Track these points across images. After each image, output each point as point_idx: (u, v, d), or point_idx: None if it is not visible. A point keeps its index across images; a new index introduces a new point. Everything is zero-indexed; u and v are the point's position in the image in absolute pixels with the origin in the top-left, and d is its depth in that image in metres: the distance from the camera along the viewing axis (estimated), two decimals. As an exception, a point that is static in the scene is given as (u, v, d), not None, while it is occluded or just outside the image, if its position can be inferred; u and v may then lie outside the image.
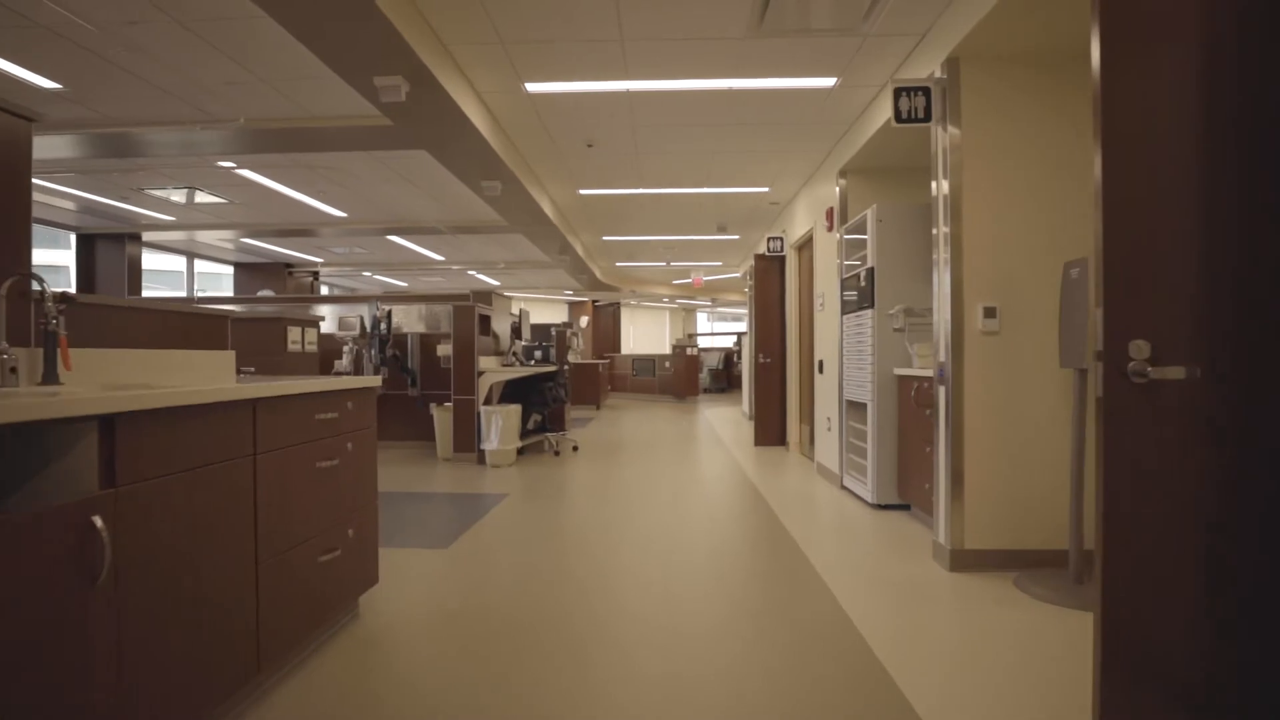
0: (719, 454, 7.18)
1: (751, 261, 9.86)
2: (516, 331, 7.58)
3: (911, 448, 4.20)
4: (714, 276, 14.11)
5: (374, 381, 2.76)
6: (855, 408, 4.88)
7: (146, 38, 3.48)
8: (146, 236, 8.56)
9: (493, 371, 6.62)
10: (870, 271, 4.49)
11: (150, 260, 9.92)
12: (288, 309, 7.86)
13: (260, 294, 10.69)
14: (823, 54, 3.76)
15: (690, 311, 22.01)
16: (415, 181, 6.33)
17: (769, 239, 7.29)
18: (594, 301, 17.65)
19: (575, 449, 7.44)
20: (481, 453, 6.42)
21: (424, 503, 4.82)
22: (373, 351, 7.01)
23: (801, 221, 6.67)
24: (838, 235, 5.18)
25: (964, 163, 3.24)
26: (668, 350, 19.45)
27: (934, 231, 3.41)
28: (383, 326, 7.08)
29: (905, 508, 4.46)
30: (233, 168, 5.40)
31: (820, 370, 5.83)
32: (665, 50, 3.70)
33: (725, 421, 10.53)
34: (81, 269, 7.96)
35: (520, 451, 7.07)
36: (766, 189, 6.75)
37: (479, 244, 9.44)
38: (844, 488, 5.15)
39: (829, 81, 4.11)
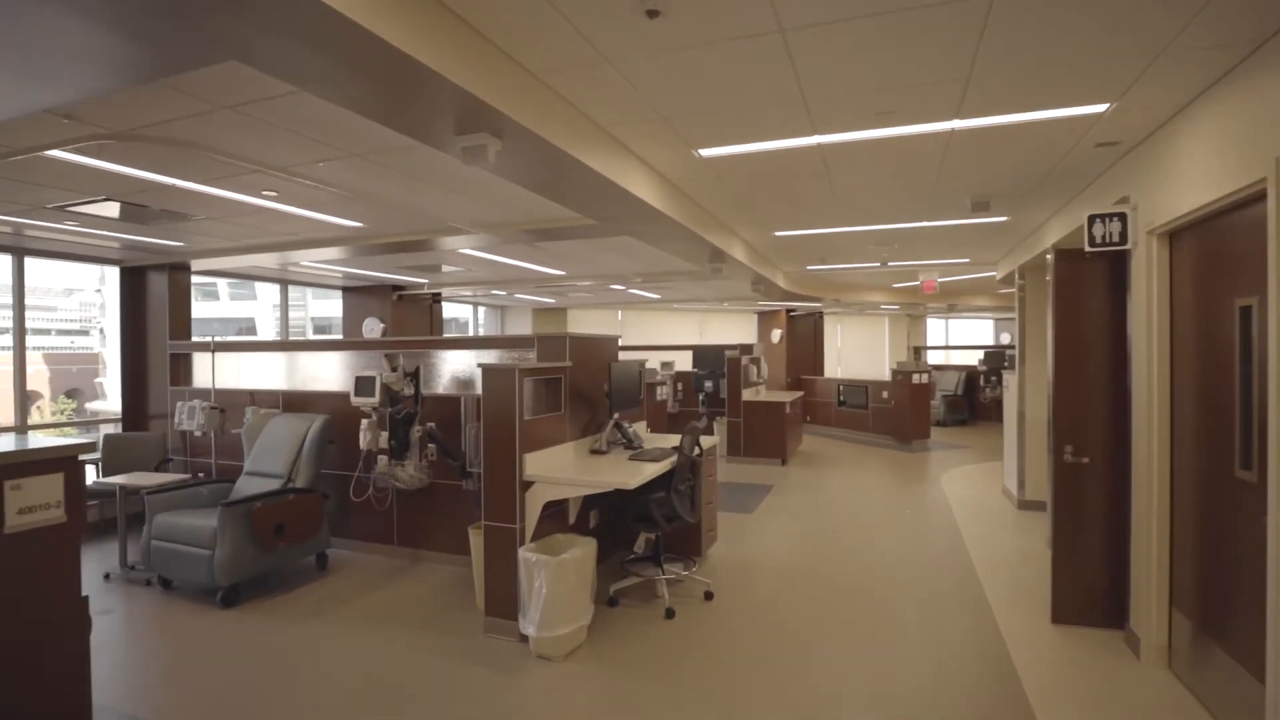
0: (981, 646, 3.64)
1: (1034, 258, 5.88)
2: (610, 398, 4.65)
3: None
4: (955, 278, 9.99)
5: None
6: None
7: None
8: (228, 265, 7.13)
9: (548, 483, 3.79)
10: None
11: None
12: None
13: (366, 325, 9.09)
14: None
15: (917, 319, 17.47)
16: (381, 161, 3.72)
17: (1094, 219, 3.56)
18: (788, 311, 14.22)
19: (708, 597, 4.37)
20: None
21: None
22: (387, 430, 4.57)
23: (1199, 175, 2.92)
24: None
25: None
26: (886, 372, 15.34)
27: None
28: (408, 389, 4.62)
29: None
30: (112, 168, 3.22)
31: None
32: None
33: (978, 510, 6.65)
34: (127, 305, 6.66)
35: (612, 601, 4.20)
36: (1099, 107, 3.10)
37: (588, 251, 6.71)
38: None
39: None
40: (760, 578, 4.75)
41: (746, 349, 9.97)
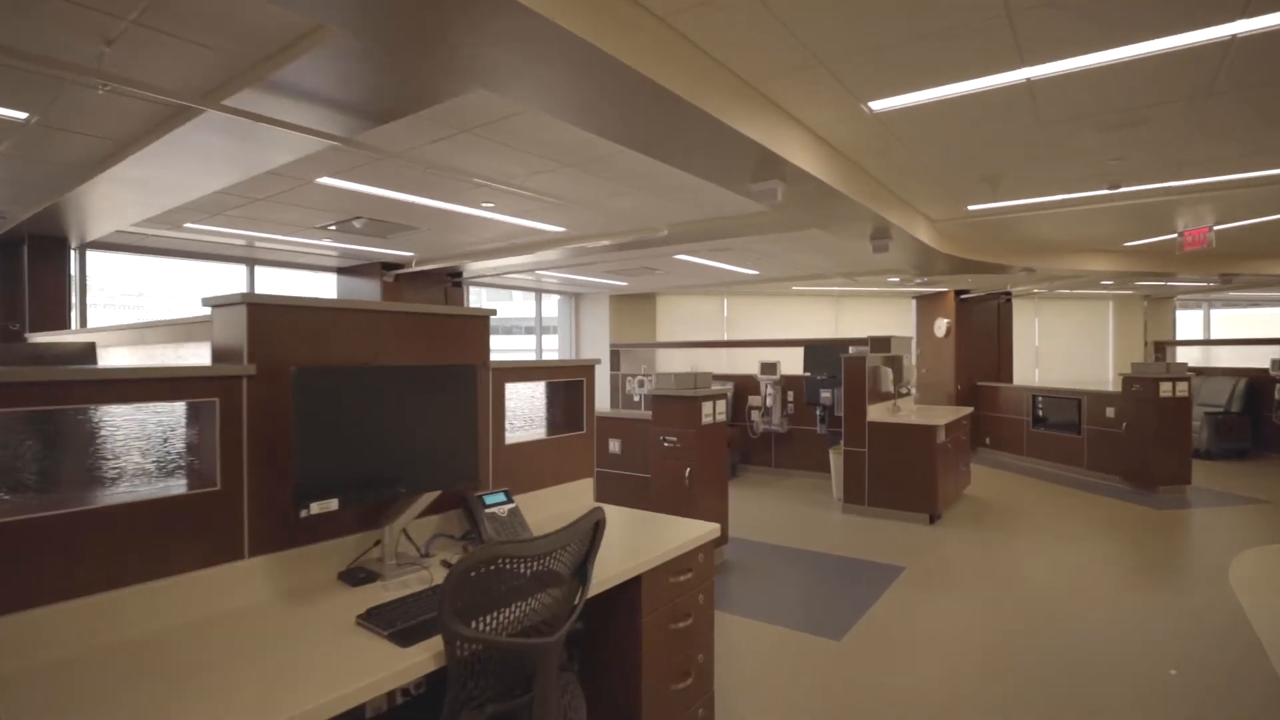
0: None
1: None
2: (296, 468, 1.99)
3: None
4: (1247, 222, 5.97)
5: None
6: None
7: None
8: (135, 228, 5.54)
9: None
10: None
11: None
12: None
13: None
14: None
15: (1160, 302, 12.58)
16: None
17: None
18: (958, 293, 10.49)
19: None
20: None
21: None
22: None
23: None
24: None
25: None
26: (1110, 378, 11.03)
27: None
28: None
29: None
30: None
31: None
32: None
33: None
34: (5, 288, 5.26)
35: None
36: None
37: (585, 187, 4.09)
38: None
39: None
40: None
41: (880, 344, 6.74)
